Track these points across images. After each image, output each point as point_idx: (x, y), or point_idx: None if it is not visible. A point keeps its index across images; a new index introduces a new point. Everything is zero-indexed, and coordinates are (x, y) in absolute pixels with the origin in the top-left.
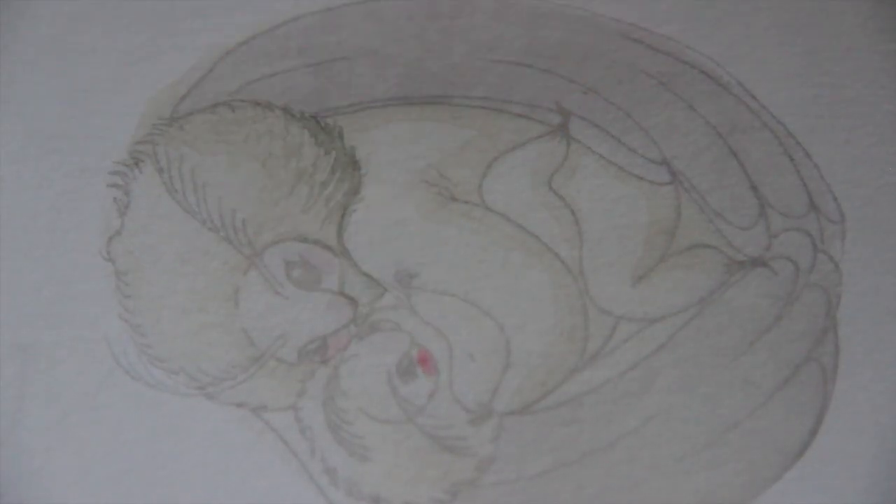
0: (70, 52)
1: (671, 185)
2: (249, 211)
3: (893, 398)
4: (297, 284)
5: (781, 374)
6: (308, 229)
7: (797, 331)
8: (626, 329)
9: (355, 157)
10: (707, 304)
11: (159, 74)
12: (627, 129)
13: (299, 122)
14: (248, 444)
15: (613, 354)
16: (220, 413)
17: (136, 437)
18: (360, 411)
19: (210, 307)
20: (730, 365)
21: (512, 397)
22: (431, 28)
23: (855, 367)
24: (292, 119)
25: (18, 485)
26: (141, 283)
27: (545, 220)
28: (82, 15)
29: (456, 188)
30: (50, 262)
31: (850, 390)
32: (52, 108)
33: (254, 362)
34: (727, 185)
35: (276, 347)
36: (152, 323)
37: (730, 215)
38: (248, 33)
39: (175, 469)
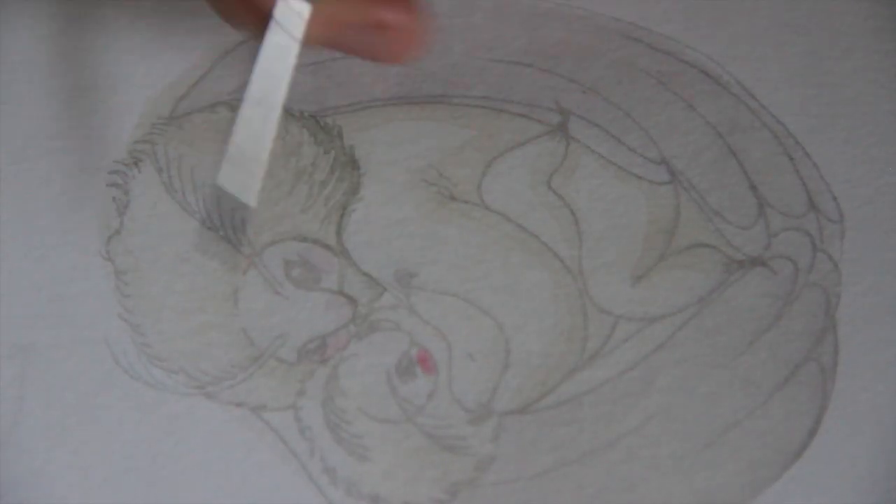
0: (69, 52)
1: (670, 184)
2: (249, 210)
3: (893, 398)
4: (296, 284)
5: (781, 373)
6: (307, 229)
7: (796, 330)
8: (626, 329)
9: (354, 156)
10: (706, 304)
11: (158, 74)
12: (627, 129)
13: (298, 121)
14: (247, 444)
15: (613, 354)
16: (220, 413)
17: (135, 437)
18: (360, 411)
19: (209, 307)
20: (729, 364)
21: (511, 397)
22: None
23: (854, 367)
24: (291, 118)
25: (18, 485)
26: (140, 283)
27: (544, 220)
28: (82, 14)
29: (455, 188)
30: (49, 261)
31: (850, 390)
32: (52, 107)
33: (253, 362)
34: (726, 184)
35: (275, 347)
36: (152, 322)
37: (729, 215)
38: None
39: (174, 469)
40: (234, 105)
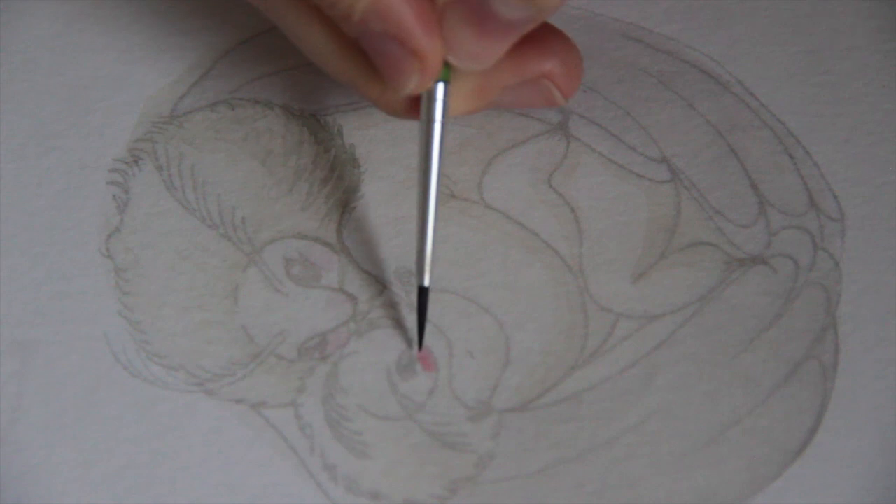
0: (69, 51)
1: (671, 182)
2: (249, 208)
3: (894, 396)
4: (296, 281)
5: (781, 371)
6: (308, 226)
7: (797, 328)
8: (626, 326)
9: (355, 154)
10: (707, 302)
11: (159, 73)
12: (627, 128)
13: (299, 119)
14: (247, 441)
15: (613, 352)
16: (220, 410)
17: (134, 434)
18: (360, 408)
19: (209, 304)
20: (730, 362)
21: (511, 394)
22: None
23: (855, 365)
24: (292, 117)
25: (17, 481)
26: (140, 281)
27: (545, 218)
28: (82, 13)
29: (455, 186)
30: (49, 259)
31: (850, 388)
32: (52, 106)
33: (253, 359)
34: (727, 183)
35: (275, 344)
36: (151, 320)
37: (730, 213)
38: (248, 33)
39: (174, 465)
40: (233, 104)
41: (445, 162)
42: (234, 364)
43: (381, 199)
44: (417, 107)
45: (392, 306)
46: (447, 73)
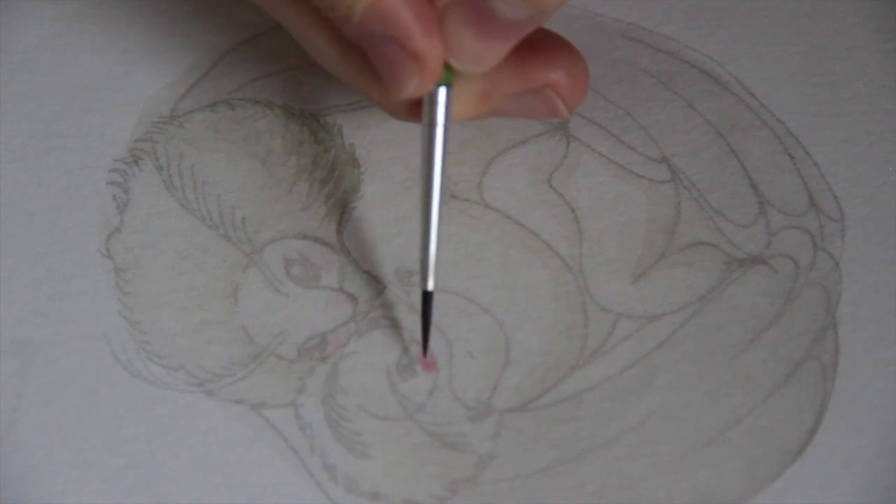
0: (69, 51)
1: (671, 182)
2: (249, 208)
3: (894, 396)
4: (296, 282)
5: (781, 372)
6: (307, 227)
7: (797, 329)
8: (626, 326)
9: (355, 154)
10: (707, 302)
11: (159, 73)
12: (627, 128)
13: (299, 119)
14: (247, 441)
15: (613, 352)
16: (219, 410)
17: (134, 434)
18: (360, 408)
19: (209, 304)
20: (730, 363)
21: (511, 394)
22: None
23: (855, 366)
24: (292, 117)
25: (17, 481)
26: (140, 281)
27: (545, 218)
28: (82, 13)
29: (455, 186)
30: (49, 259)
31: (850, 388)
32: (52, 106)
33: (253, 359)
34: (727, 183)
35: (275, 344)
36: (151, 320)
37: (729, 213)
38: (248, 33)
39: (174, 466)
40: (233, 104)
41: (445, 161)
42: (234, 364)
43: (381, 199)
44: (419, 109)
45: (392, 306)
46: (450, 76)
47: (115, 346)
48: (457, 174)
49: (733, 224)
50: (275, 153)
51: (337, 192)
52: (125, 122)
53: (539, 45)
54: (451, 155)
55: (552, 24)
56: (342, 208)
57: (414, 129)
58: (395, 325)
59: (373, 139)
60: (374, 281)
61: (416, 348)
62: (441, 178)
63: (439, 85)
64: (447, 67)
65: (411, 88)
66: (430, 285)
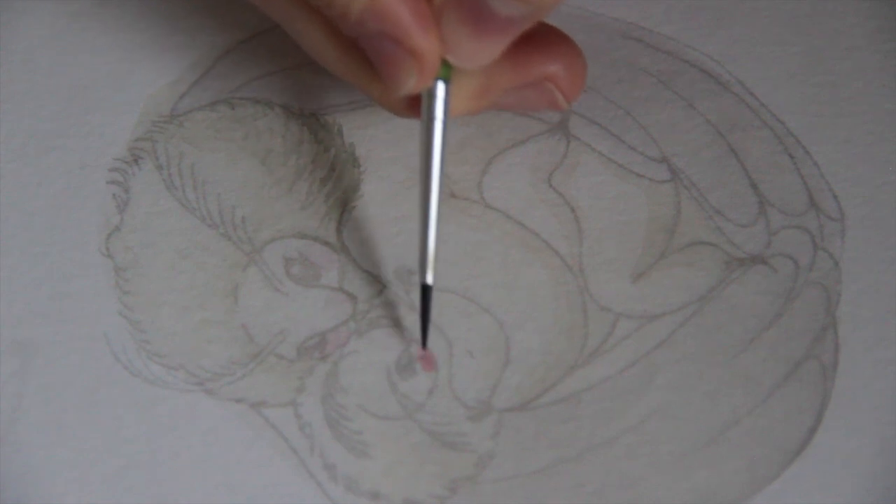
0: (69, 51)
1: (671, 182)
2: (249, 208)
3: (894, 396)
4: (296, 281)
5: (781, 371)
6: (307, 226)
7: (797, 328)
8: (626, 326)
9: (355, 154)
10: (707, 302)
11: (159, 72)
12: (627, 127)
13: (299, 119)
14: (246, 441)
15: (613, 351)
16: (219, 409)
17: (134, 433)
18: (360, 407)
19: (209, 303)
20: (729, 362)
21: (511, 394)
22: None
23: (855, 365)
24: (292, 116)
25: (17, 481)
26: (140, 280)
27: (545, 218)
28: (82, 13)
29: (455, 185)
30: (49, 258)
31: (850, 388)
32: (52, 106)
33: (253, 359)
34: (727, 182)
35: (275, 344)
36: (151, 319)
37: (729, 213)
38: (248, 32)
39: (174, 465)
40: (233, 103)
41: (445, 160)
42: (234, 363)
43: (381, 199)
44: (418, 105)
45: (392, 306)
46: (448, 72)
47: (115, 346)
48: (457, 173)
49: (733, 224)
50: (275, 152)
51: (337, 191)
52: (125, 122)
53: (536, 38)
54: (451, 154)
55: (552, 21)
56: (342, 208)
57: (414, 129)
58: (394, 325)
59: (373, 139)
60: (374, 280)
61: (416, 347)
62: (440, 173)
63: (437, 80)
64: (445, 63)
65: (410, 85)
66: (430, 279)
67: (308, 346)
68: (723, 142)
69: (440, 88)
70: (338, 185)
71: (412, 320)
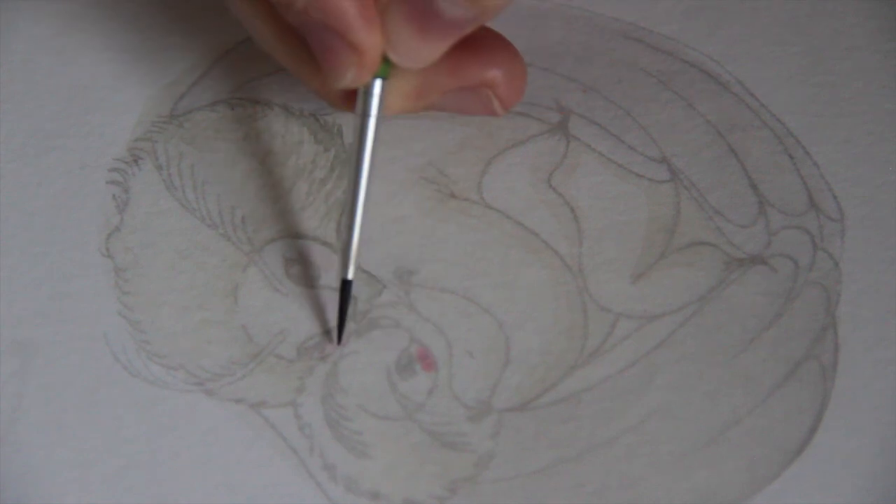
0: (69, 51)
1: (671, 182)
2: (248, 208)
3: (894, 396)
4: (296, 281)
5: (781, 371)
6: (307, 226)
7: (797, 328)
8: (626, 326)
9: None
10: (706, 302)
11: (159, 73)
12: (627, 128)
13: (298, 119)
14: (246, 441)
15: (613, 352)
16: (219, 409)
17: (134, 434)
18: (360, 408)
19: (209, 304)
20: (729, 362)
21: (511, 394)
22: None
23: (855, 365)
24: (291, 117)
25: (17, 481)
26: (140, 280)
27: (544, 218)
28: (82, 13)
29: (455, 185)
30: (49, 258)
31: (850, 388)
32: (52, 106)
33: (253, 359)
34: (727, 182)
35: (274, 344)
36: (151, 319)
37: (729, 213)
38: (247, 33)
39: (173, 465)
40: (233, 103)
41: (446, 161)
42: (234, 364)
43: (380, 199)
44: (354, 100)
45: (391, 306)
46: (386, 69)
47: (115, 346)
48: (456, 174)
49: (733, 224)
50: (274, 153)
51: (336, 191)
52: (125, 122)
53: (478, 43)
54: (451, 154)
55: (553, 23)
56: (342, 208)
57: (414, 128)
58: (394, 325)
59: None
60: (374, 280)
61: (416, 347)
62: (368, 169)
63: (375, 77)
64: (385, 60)
65: (348, 79)
66: (350, 274)
67: (308, 346)
68: (723, 142)
69: (377, 86)
70: (337, 185)
71: (413, 320)
